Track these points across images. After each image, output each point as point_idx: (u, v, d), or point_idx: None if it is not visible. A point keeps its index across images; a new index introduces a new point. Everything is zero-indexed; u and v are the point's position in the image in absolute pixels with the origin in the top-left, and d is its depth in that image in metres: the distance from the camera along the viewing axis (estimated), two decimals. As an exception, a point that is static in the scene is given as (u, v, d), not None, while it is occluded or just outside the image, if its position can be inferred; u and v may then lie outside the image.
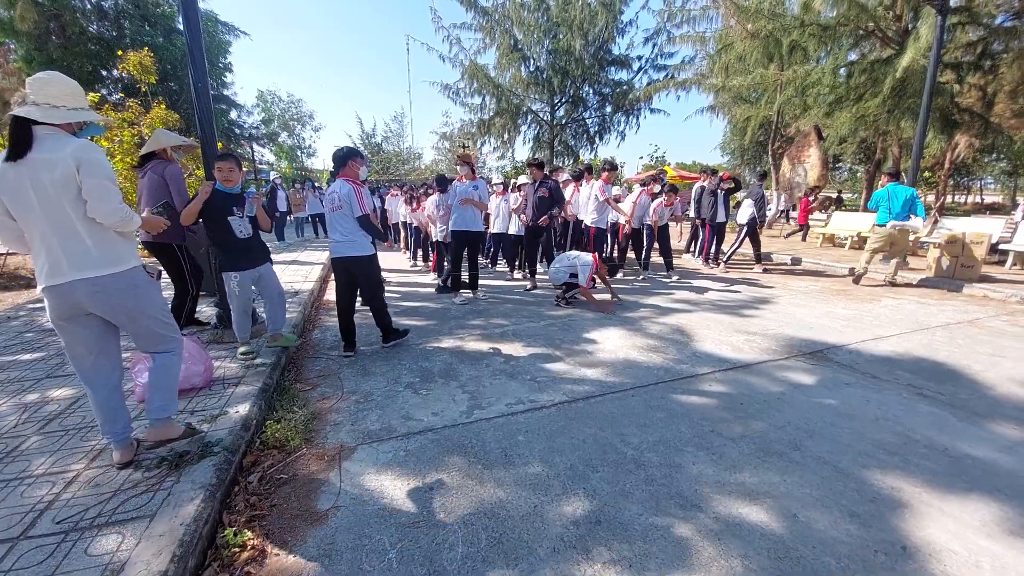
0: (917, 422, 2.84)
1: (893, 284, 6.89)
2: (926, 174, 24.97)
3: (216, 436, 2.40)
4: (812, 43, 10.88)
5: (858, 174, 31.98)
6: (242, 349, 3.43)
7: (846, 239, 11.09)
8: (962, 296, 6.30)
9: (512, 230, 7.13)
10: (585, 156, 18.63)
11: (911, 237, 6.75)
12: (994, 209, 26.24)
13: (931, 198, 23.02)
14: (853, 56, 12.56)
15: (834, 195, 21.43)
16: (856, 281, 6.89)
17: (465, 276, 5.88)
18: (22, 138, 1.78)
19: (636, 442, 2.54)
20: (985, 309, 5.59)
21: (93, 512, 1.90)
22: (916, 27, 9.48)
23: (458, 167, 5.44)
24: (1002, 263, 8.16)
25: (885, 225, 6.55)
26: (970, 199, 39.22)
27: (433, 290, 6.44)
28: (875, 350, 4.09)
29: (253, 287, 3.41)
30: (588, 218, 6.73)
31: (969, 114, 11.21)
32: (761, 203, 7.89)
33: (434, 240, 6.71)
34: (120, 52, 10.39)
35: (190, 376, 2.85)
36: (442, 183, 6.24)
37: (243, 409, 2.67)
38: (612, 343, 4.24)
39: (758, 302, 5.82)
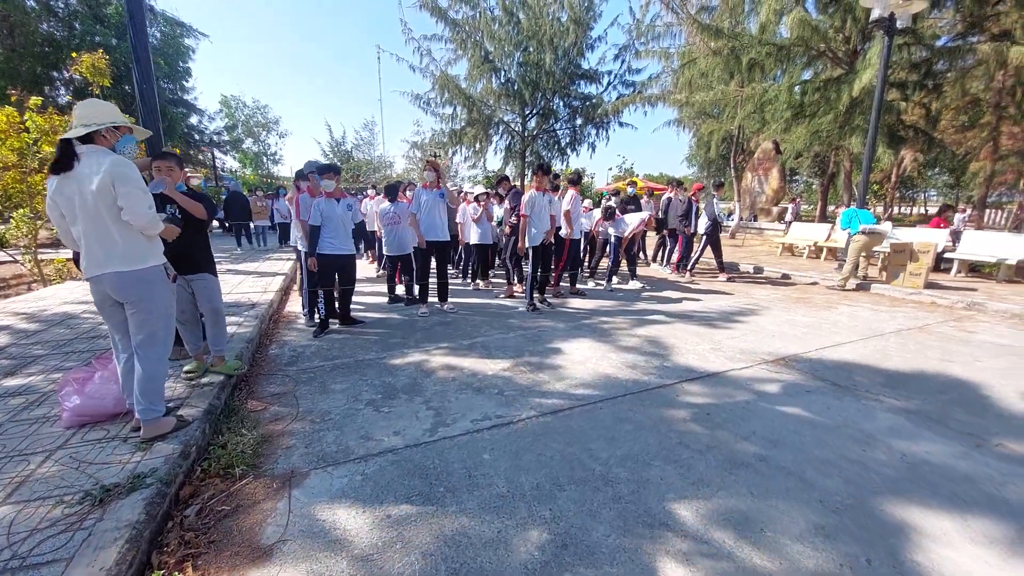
0: (875, 428, 2.89)
1: (864, 279, 7.71)
2: (874, 187, 26.45)
3: (150, 466, 2.19)
4: (769, 61, 11.37)
5: (813, 186, 33.58)
6: (187, 367, 3.19)
7: (804, 248, 11.54)
8: (912, 303, 6.60)
9: (474, 239, 7.04)
10: (557, 167, 18.84)
11: (885, 239, 7.61)
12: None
13: (880, 209, 24.36)
14: (807, 75, 13.20)
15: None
16: (851, 288, 7.50)
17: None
18: (64, 155, 2.20)
19: (604, 457, 2.48)
20: (934, 315, 5.86)
21: (7, 554, 1.70)
22: (866, 49, 10.05)
23: (425, 173, 5.33)
24: (948, 271, 8.64)
25: (859, 233, 7.32)
26: (915, 210, 41.74)
27: (392, 302, 6.26)
28: (834, 357, 4.19)
29: (190, 293, 3.16)
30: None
31: (914, 130, 11.93)
32: (710, 211, 8.17)
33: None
34: (74, 54, 9.89)
35: (102, 398, 2.61)
36: (391, 192, 5.89)
37: (183, 434, 2.46)
38: (581, 354, 4.20)
39: (723, 311, 5.92)
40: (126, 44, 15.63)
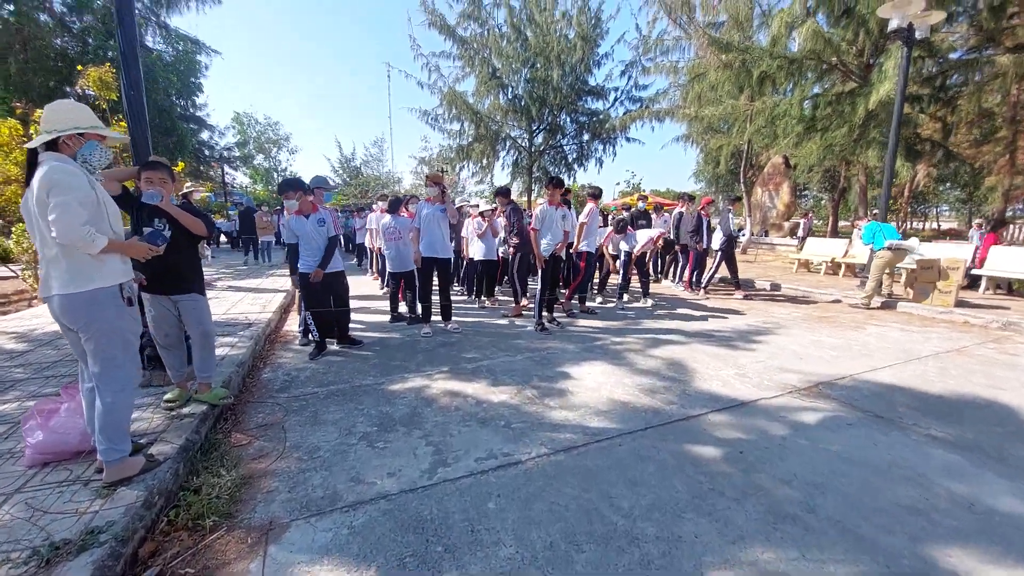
0: (931, 469, 2.56)
1: (890, 296, 7.44)
2: (888, 201, 26.00)
3: (107, 517, 1.92)
4: (781, 75, 11.20)
5: (822, 202, 33.23)
6: (168, 395, 2.93)
7: (820, 265, 11.18)
8: (944, 322, 6.23)
9: (479, 255, 6.80)
10: (564, 182, 18.70)
11: (910, 256, 7.20)
12: (951, 235, 27.43)
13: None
14: (817, 89, 13.01)
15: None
16: (876, 306, 7.12)
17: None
18: (29, 165, 2.05)
19: (627, 507, 2.16)
20: (969, 336, 5.50)
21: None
22: (881, 62, 9.84)
23: (427, 188, 5.12)
24: (975, 287, 8.25)
25: (884, 248, 6.98)
26: (928, 225, 41.09)
27: (394, 320, 6.01)
28: (871, 384, 3.86)
29: (176, 315, 2.91)
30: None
31: (931, 143, 11.65)
32: (725, 226, 7.86)
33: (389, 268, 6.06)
34: (80, 67, 9.95)
35: (66, 433, 2.35)
36: (393, 206, 5.79)
37: (151, 477, 2.19)
38: (594, 379, 3.89)
39: (742, 331, 5.60)
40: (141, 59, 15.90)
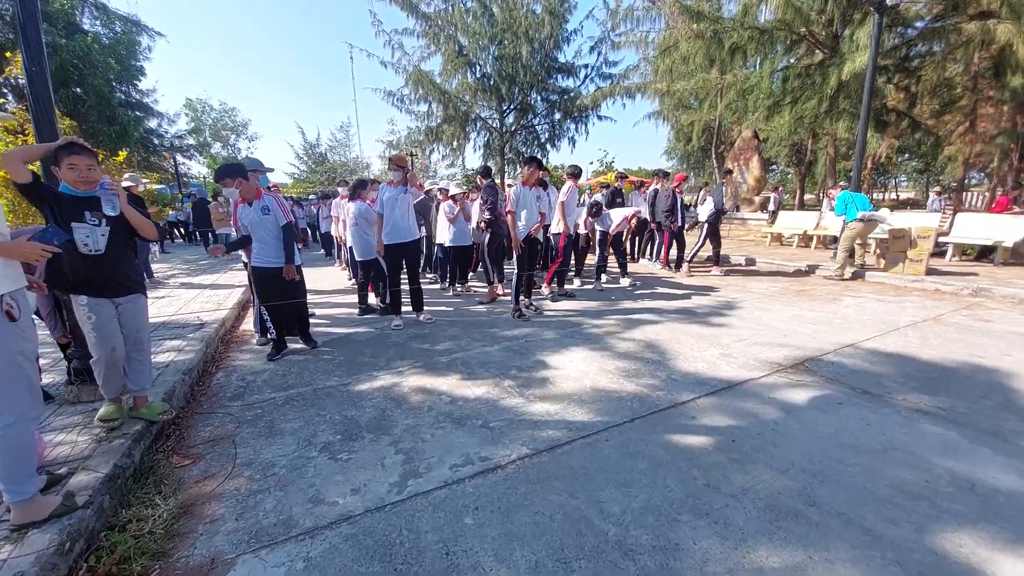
0: (928, 449, 2.46)
1: (862, 267, 7.43)
2: (850, 173, 26.66)
3: (17, 568, 1.60)
4: (752, 46, 11.06)
5: (789, 175, 33.84)
6: (102, 412, 2.57)
7: (792, 237, 11.28)
8: (917, 291, 6.30)
9: (450, 240, 6.49)
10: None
11: (881, 226, 7.23)
12: (910, 204, 28.36)
13: (859, 196, 24.47)
14: (786, 62, 12.97)
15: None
16: (848, 277, 7.14)
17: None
18: None
19: (618, 512, 1.97)
20: (943, 303, 5.54)
21: None
22: (850, 33, 9.79)
23: (391, 171, 4.75)
24: (942, 255, 8.41)
25: (855, 220, 6.94)
26: (887, 196, 42.50)
27: (364, 313, 5.68)
28: (855, 357, 3.78)
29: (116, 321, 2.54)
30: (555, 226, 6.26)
31: (896, 114, 11.78)
32: (717, 199, 7.70)
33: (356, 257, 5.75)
34: (8, 54, 9.05)
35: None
36: (355, 191, 5.44)
37: (68, 516, 1.87)
38: (576, 367, 3.70)
39: (723, 308, 5.50)
40: (74, 42, 14.56)
